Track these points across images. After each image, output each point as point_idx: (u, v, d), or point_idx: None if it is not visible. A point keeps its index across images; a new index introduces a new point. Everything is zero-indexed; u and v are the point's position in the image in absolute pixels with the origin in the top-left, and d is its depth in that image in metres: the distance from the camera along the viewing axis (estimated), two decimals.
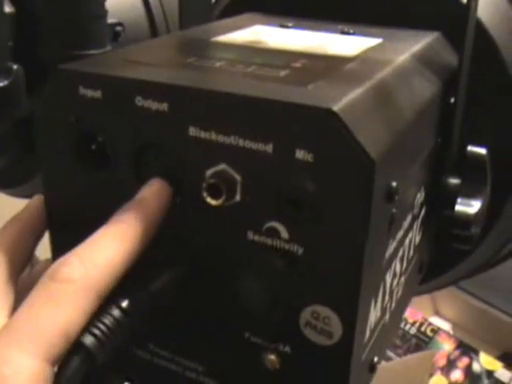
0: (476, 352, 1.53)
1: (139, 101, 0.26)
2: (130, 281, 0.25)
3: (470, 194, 0.36)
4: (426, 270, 0.42)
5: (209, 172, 0.25)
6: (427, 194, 0.35)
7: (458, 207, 0.36)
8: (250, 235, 0.26)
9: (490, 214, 0.40)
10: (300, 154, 0.23)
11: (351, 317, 0.25)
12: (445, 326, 1.70)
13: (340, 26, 0.38)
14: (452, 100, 0.36)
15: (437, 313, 1.78)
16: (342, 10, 0.42)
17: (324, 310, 0.25)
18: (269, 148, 0.24)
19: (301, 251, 0.25)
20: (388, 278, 0.30)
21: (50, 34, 0.46)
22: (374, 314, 0.28)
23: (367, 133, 0.23)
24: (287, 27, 0.39)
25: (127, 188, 0.28)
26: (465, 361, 1.52)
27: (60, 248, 0.30)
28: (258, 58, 0.31)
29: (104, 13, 0.49)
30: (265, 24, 0.39)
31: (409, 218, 0.31)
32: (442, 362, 1.55)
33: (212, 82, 0.27)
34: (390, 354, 1.62)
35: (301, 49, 0.33)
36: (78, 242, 0.25)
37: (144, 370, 0.31)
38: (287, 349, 0.27)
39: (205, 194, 0.25)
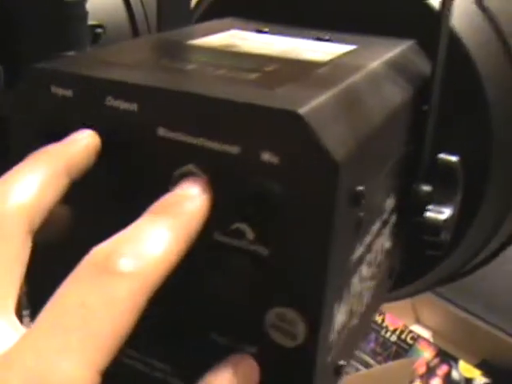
0: (455, 360, 1.54)
1: (109, 101, 0.27)
2: None
3: (441, 201, 0.37)
4: (398, 277, 0.42)
5: (176, 173, 0.26)
6: (398, 201, 0.35)
7: (428, 214, 0.36)
8: (217, 236, 0.26)
9: (462, 221, 0.40)
10: (266, 155, 0.24)
11: (316, 319, 0.25)
12: (425, 333, 1.71)
13: (316, 33, 0.39)
14: (424, 108, 0.36)
15: (417, 321, 1.79)
16: (320, 17, 0.42)
17: (289, 312, 0.26)
18: (235, 150, 0.24)
19: (266, 252, 0.25)
20: (355, 282, 0.30)
21: (30, 34, 0.46)
22: (339, 317, 0.28)
23: (333, 136, 0.24)
24: (263, 32, 0.39)
25: (97, 198, 0.28)
26: (444, 368, 1.53)
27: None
28: (230, 62, 0.31)
29: (84, 14, 0.49)
30: (242, 29, 0.40)
31: (378, 223, 0.32)
32: (422, 369, 1.56)
33: (181, 84, 0.27)
34: (370, 360, 1.63)
35: (274, 53, 0.33)
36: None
37: (112, 369, 0.31)
38: (253, 350, 0.27)
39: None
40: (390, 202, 0.33)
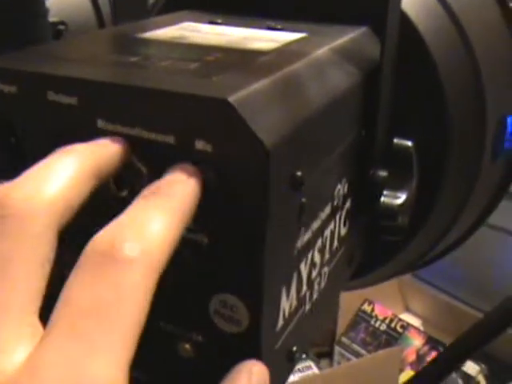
0: (445, 346, 1.54)
1: (51, 95, 0.27)
2: None
3: (397, 186, 0.37)
4: (360, 264, 0.42)
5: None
6: (352, 186, 0.36)
7: (383, 198, 0.37)
8: None
9: (421, 208, 0.40)
10: (199, 144, 0.24)
11: (257, 304, 0.26)
12: (415, 321, 1.72)
13: (269, 22, 0.39)
14: (376, 93, 0.36)
15: (407, 309, 1.80)
16: (277, 7, 0.42)
17: (230, 298, 0.26)
18: (170, 139, 0.25)
19: (206, 240, 0.25)
20: (304, 268, 0.30)
21: None
22: (287, 303, 0.29)
23: (264, 122, 0.24)
24: (216, 23, 0.39)
25: None
26: (434, 355, 1.53)
27: None
28: (174, 53, 0.31)
29: (45, 11, 0.49)
30: (196, 21, 0.40)
31: (327, 209, 0.32)
32: (412, 357, 1.57)
33: (119, 76, 0.27)
34: (360, 350, 1.63)
35: (221, 44, 0.33)
36: None
37: None
38: (200, 337, 0.27)
39: (112, 186, 0.26)
40: (341, 188, 0.34)
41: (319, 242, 0.32)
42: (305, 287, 0.31)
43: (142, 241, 0.20)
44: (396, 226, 0.37)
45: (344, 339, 1.67)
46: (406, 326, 1.63)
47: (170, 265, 0.26)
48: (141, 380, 0.30)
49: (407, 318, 1.73)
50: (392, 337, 1.63)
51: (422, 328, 1.67)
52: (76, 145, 0.24)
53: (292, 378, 1.59)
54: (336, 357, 1.68)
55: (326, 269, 0.34)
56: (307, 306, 0.32)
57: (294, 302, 0.30)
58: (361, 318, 1.68)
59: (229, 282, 0.26)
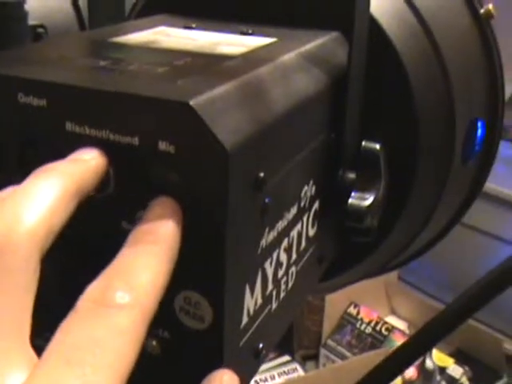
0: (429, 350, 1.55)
1: (21, 97, 0.28)
2: None
3: (365, 188, 0.38)
4: (331, 265, 0.43)
5: None
6: (321, 188, 0.36)
7: (351, 200, 0.37)
8: (124, 224, 0.27)
9: (392, 209, 0.41)
10: (162, 145, 0.25)
11: (219, 301, 0.26)
12: (400, 324, 1.73)
13: (242, 27, 0.40)
14: (344, 97, 0.37)
15: (392, 312, 1.81)
16: (251, 11, 0.43)
17: (194, 295, 0.27)
18: (135, 141, 0.25)
19: None
20: (269, 267, 0.31)
21: None
22: (252, 301, 0.29)
23: (225, 125, 0.25)
24: (190, 28, 0.40)
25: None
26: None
27: None
28: (144, 57, 0.32)
29: (24, 15, 0.50)
30: (171, 25, 0.41)
31: (293, 209, 0.33)
32: None
33: (87, 80, 0.28)
34: (345, 352, 1.64)
35: (191, 48, 0.34)
36: None
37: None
38: (166, 334, 0.28)
39: None
40: (308, 189, 0.34)
41: (285, 242, 0.32)
42: (271, 286, 0.32)
43: (131, 289, 0.22)
44: (364, 227, 0.38)
45: (330, 342, 1.68)
46: (391, 329, 1.64)
47: None
48: None
49: (393, 321, 1.74)
50: (377, 339, 1.64)
51: (407, 331, 1.68)
52: (55, 164, 0.24)
53: (278, 380, 1.59)
54: (322, 359, 1.69)
55: (293, 268, 0.35)
56: (274, 305, 0.33)
57: (260, 300, 0.30)
58: (346, 321, 1.69)
59: (192, 280, 0.26)
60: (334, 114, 0.36)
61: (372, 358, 1.49)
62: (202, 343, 0.27)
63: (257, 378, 1.56)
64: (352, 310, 1.69)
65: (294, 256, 0.34)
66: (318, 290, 0.50)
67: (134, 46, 0.35)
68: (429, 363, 1.53)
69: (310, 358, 1.72)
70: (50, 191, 0.23)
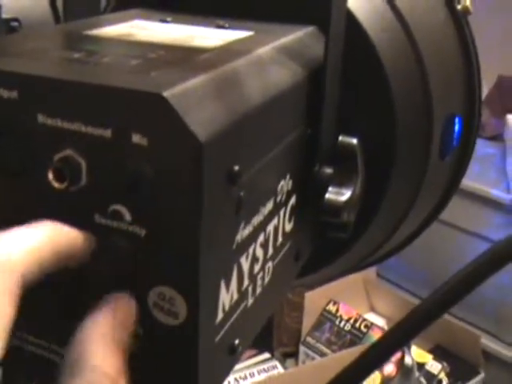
0: (408, 346, 1.56)
1: None
2: None
3: (342, 183, 0.38)
4: (308, 261, 0.43)
5: (56, 158, 0.26)
6: (297, 183, 0.36)
7: (328, 195, 0.37)
8: (97, 218, 0.26)
9: (369, 205, 0.41)
10: (136, 137, 0.24)
11: (193, 296, 0.26)
12: (379, 321, 1.73)
13: (218, 21, 0.39)
14: (319, 91, 0.37)
15: (372, 309, 1.81)
16: (227, 6, 0.42)
17: (168, 291, 0.26)
18: (108, 133, 0.25)
19: (143, 233, 0.26)
20: (244, 262, 0.30)
21: None
22: (227, 297, 0.29)
23: (199, 117, 0.24)
24: (166, 22, 0.39)
25: None
26: (397, 354, 1.55)
27: None
28: (118, 50, 0.32)
29: None
30: (146, 19, 0.40)
31: (269, 204, 0.32)
32: None
33: (59, 71, 0.27)
34: (325, 349, 1.64)
35: (166, 41, 0.34)
36: None
37: (18, 359, 0.31)
38: (140, 331, 0.28)
39: (51, 179, 0.26)
40: (285, 184, 0.34)
41: (261, 237, 0.32)
42: (247, 281, 0.31)
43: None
44: (341, 222, 0.38)
45: (309, 339, 1.68)
46: (370, 326, 1.64)
47: (107, 257, 0.27)
48: None
49: (372, 317, 1.74)
50: (356, 336, 1.64)
51: (386, 327, 1.68)
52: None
53: (258, 377, 1.59)
54: (301, 356, 1.69)
55: (270, 264, 0.34)
56: (250, 301, 0.32)
57: (235, 296, 0.30)
58: (326, 318, 1.69)
59: (166, 275, 0.26)
60: (310, 109, 0.36)
61: (351, 355, 1.48)
62: (177, 339, 0.27)
63: (236, 375, 1.55)
64: (331, 307, 1.70)
65: (271, 251, 0.34)
66: (295, 287, 0.50)
67: (109, 39, 0.34)
68: (407, 359, 1.54)
69: (289, 355, 1.72)
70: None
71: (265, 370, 1.61)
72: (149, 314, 0.27)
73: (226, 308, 0.29)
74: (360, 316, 1.67)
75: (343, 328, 1.66)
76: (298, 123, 0.35)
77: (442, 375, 1.55)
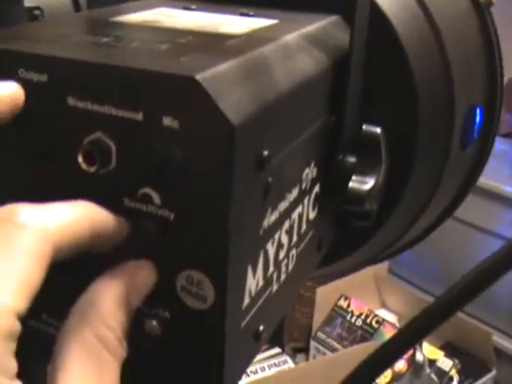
0: (419, 342, 1.56)
1: (22, 73, 0.27)
2: None
3: (365, 172, 0.38)
4: (331, 250, 0.43)
5: (85, 140, 0.26)
6: (321, 172, 0.36)
7: (351, 184, 0.37)
8: (127, 202, 0.26)
9: (391, 194, 0.41)
10: (167, 121, 0.24)
11: (222, 280, 0.26)
12: (391, 317, 1.73)
13: (242, 9, 0.39)
14: (344, 80, 0.37)
15: (383, 305, 1.81)
16: None
17: (197, 275, 0.26)
18: (139, 116, 0.25)
19: (172, 216, 0.26)
20: (270, 248, 0.30)
21: None
22: (254, 282, 0.29)
23: (231, 101, 0.24)
24: (190, 9, 0.39)
25: (13, 163, 0.28)
26: (408, 351, 1.55)
27: None
28: (146, 35, 0.32)
29: None
30: (170, 6, 0.40)
31: (295, 191, 0.32)
32: None
33: (89, 54, 0.27)
34: (335, 345, 1.64)
35: (192, 28, 0.34)
36: None
37: (36, 341, 0.31)
38: (167, 314, 0.28)
39: (80, 162, 0.26)
40: (309, 171, 0.34)
41: (287, 224, 0.32)
42: (272, 267, 0.31)
43: (38, 213, 0.22)
44: (364, 211, 0.38)
45: (320, 334, 1.68)
46: (382, 322, 1.64)
47: (136, 241, 0.27)
48: None
49: (383, 313, 1.74)
50: (367, 332, 1.64)
51: (397, 324, 1.68)
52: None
53: (268, 371, 1.59)
54: (312, 352, 1.69)
55: (294, 251, 0.34)
56: (275, 287, 0.32)
57: (261, 282, 0.30)
58: (337, 314, 1.69)
59: (195, 258, 0.26)
60: (335, 97, 0.36)
61: (362, 351, 1.49)
62: (204, 323, 0.27)
63: (247, 369, 1.56)
64: (343, 303, 1.70)
65: (295, 238, 0.34)
66: (314, 277, 0.50)
67: (135, 25, 0.34)
68: (419, 356, 1.54)
69: (300, 350, 1.72)
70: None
71: (275, 365, 1.61)
72: (176, 298, 0.27)
73: (253, 293, 0.29)
74: (371, 312, 1.67)
75: (354, 323, 1.66)
76: (322, 111, 0.35)
77: (453, 372, 1.55)
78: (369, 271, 1.76)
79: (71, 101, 0.26)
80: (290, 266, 0.34)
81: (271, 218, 0.30)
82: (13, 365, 0.21)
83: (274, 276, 0.32)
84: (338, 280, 1.68)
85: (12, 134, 0.28)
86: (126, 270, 0.26)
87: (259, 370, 1.59)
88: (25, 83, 0.27)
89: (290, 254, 0.34)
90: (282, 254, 0.32)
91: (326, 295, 1.67)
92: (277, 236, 0.31)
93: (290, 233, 0.33)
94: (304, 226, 0.35)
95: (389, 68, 0.40)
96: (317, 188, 0.36)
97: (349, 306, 1.68)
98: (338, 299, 1.70)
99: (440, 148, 0.44)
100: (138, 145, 0.25)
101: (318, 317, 1.69)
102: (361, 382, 0.55)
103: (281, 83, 0.29)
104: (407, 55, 0.40)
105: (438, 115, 0.42)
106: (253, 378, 1.56)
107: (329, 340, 1.65)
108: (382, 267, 1.80)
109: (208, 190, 0.25)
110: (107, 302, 0.24)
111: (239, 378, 0.31)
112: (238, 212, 0.25)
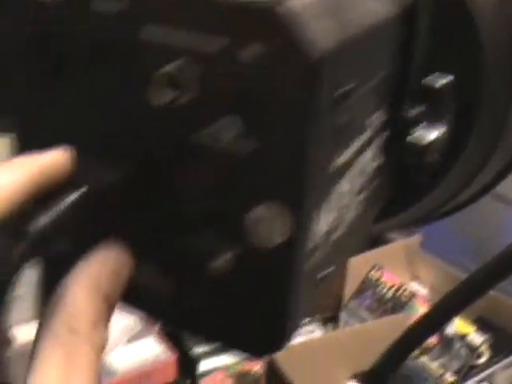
0: None
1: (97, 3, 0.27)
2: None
3: (429, 123, 0.37)
4: (387, 205, 0.42)
5: (163, 69, 0.26)
6: (387, 120, 0.36)
7: (415, 134, 0.36)
8: (199, 135, 0.26)
9: (452, 148, 0.40)
10: (253, 49, 0.24)
11: (297, 216, 0.26)
12: (421, 291, 1.72)
13: None
14: (412, 28, 0.36)
15: (414, 278, 1.80)
16: None
17: (271, 209, 0.26)
18: (221, 44, 0.25)
19: (249, 149, 0.25)
20: (340, 189, 0.30)
21: None
22: (323, 222, 0.29)
23: (318, 31, 0.24)
24: None
25: (81, 95, 0.28)
26: None
27: None
28: None
29: None
30: None
31: (365, 135, 0.32)
32: None
33: None
34: (365, 316, 1.65)
35: None
36: None
37: None
38: (234, 251, 0.28)
39: (153, 94, 0.26)
40: (377, 118, 0.34)
41: (354, 168, 0.32)
42: (338, 211, 0.31)
43: None
44: (425, 164, 0.37)
45: (350, 305, 1.68)
46: (413, 295, 1.64)
47: (211, 174, 0.26)
48: (163, 297, 0.30)
49: (414, 287, 1.73)
50: (398, 304, 1.64)
51: (428, 297, 1.67)
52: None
53: (297, 340, 1.60)
54: (341, 322, 1.70)
55: (357, 198, 0.34)
56: (338, 232, 0.32)
57: (327, 225, 0.30)
58: (368, 285, 1.69)
59: (271, 192, 0.26)
60: (402, 46, 0.36)
61: (392, 323, 1.49)
62: (274, 261, 0.27)
63: None
64: (374, 274, 1.69)
65: (359, 185, 0.34)
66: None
67: None
68: (449, 330, 1.53)
69: (329, 320, 1.73)
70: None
71: (304, 334, 1.62)
72: (247, 233, 0.27)
73: (320, 235, 0.29)
74: (403, 284, 1.66)
75: (385, 295, 1.66)
76: (391, 58, 0.35)
77: (484, 348, 1.54)
78: (401, 244, 1.75)
79: (152, 28, 0.26)
80: (354, 214, 0.34)
81: (342, 158, 0.29)
82: None
83: (339, 221, 0.32)
84: (370, 251, 1.68)
85: (80, 65, 0.28)
86: (96, 257, 0.26)
87: None
88: (98, 16, 0.27)
89: (355, 200, 0.34)
90: (347, 199, 0.32)
91: (357, 266, 1.66)
92: (344, 179, 0.31)
93: (356, 178, 0.33)
94: (369, 173, 0.35)
95: (455, 18, 0.39)
96: (382, 136, 0.36)
97: (380, 277, 1.68)
98: (370, 270, 1.70)
99: (503, 102, 0.43)
100: (215, 77, 0.25)
101: (349, 287, 1.69)
102: (397, 355, 0.55)
103: (364, 20, 0.28)
104: (472, 6, 0.39)
105: (502, 66, 0.41)
106: None
107: (359, 311, 1.65)
108: (415, 240, 1.79)
109: (289, 121, 0.24)
110: (76, 291, 0.24)
111: (300, 322, 0.31)
112: (317, 146, 0.25)
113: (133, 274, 0.30)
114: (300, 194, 0.25)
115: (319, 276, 0.31)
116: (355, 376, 1.50)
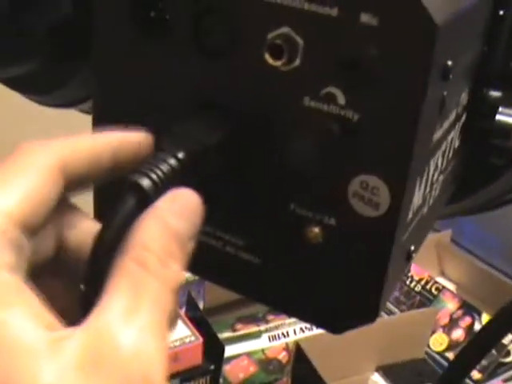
0: (479, 313, 1.54)
1: None
2: (182, 134, 0.26)
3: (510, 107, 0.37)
4: (457, 188, 0.42)
5: (271, 34, 0.26)
6: (469, 101, 0.35)
7: (498, 117, 0.36)
8: (307, 100, 0.26)
9: None
10: (365, 17, 0.24)
11: (400, 188, 0.26)
12: (449, 286, 1.71)
13: None
14: (501, 12, 0.36)
15: (442, 273, 1.79)
16: None
17: (374, 180, 0.26)
18: (334, 12, 0.25)
19: (356, 118, 0.25)
20: (432, 166, 0.30)
21: None
22: (416, 198, 0.29)
23: (433, 4, 0.24)
24: None
25: (186, 58, 0.28)
26: (467, 320, 1.54)
27: None
28: None
29: None
30: None
31: (453, 113, 0.32)
32: (445, 320, 1.57)
33: None
34: (393, 309, 1.64)
35: None
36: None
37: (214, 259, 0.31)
38: (332, 221, 0.28)
39: (266, 55, 0.26)
40: (464, 98, 0.34)
41: (443, 145, 0.32)
42: (428, 187, 0.31)
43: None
44: (508, 146, 0.37)
45: None
46: (441, 289, 1.63)
47: (315, 142, 0.27)
48: (254, 265, 0.30)
49: (442, 281, 1.72)
50: (426, 298, 1.63)
51: (456, 293, 1.66)
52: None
53: (319, 330, 1.60)
54: None
55: (441, 177, 0.34)
56: (425, 209, 0.32)
57: (420, 200, 0.30)
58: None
59: (374, 163, 0.26)
60: (489, 28, 0.35)
61: (420, 317, 1.48)
62: (372, 232, 0.27)
63: (302, 325, 1.57)
64: None
65: (445, 163, 0.34)
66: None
67: None
68: (478, 326, 1.52)
69: None
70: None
71: None
72: (346, 204, 0.27)
73: (414, 209, 0.29)
74: (432, 278, 1.65)
75: (413, 288, 1.65)
76: (479, 39, 0.34)
77: None
78: (431, 239, 1.74)
79: None
80: (437, 192, 0.34)
81: (437, 134, 0.29)
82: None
83: (428, 196, 0.32)
84: None
85: (188, 29, 0.28)
86: (166, 197, 0.25)
87: (314, 327, 1.60)
88: None
89: (439, 178, 0.34)
90: (435, 176, 0.32)
91: None
92: (436, 155, 0.31)
93: (442, 156, 0.33)
94: (451, 153, 0.35)
95: None
96: (464, 117, 0.36)
97: (409, 270, 1.67)
98: None
99: None
100: (328, 41, 0.25)
101: None
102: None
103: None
104: None
105: None
106: (307, 333, 1.57)
107: (386, 303, 1.65)
108: (445, 235, 1.78)
109: (400, 93, 0.24)
110: (146, 228, 0.24)
111: (390, 295, 0.31)
112: (424, 118, 0.25)
113: (215, 244, 0.30)
114: (405, 164, 0.25)
115: (412, 249, 0.31)
116: (379, 369, 1.50)
